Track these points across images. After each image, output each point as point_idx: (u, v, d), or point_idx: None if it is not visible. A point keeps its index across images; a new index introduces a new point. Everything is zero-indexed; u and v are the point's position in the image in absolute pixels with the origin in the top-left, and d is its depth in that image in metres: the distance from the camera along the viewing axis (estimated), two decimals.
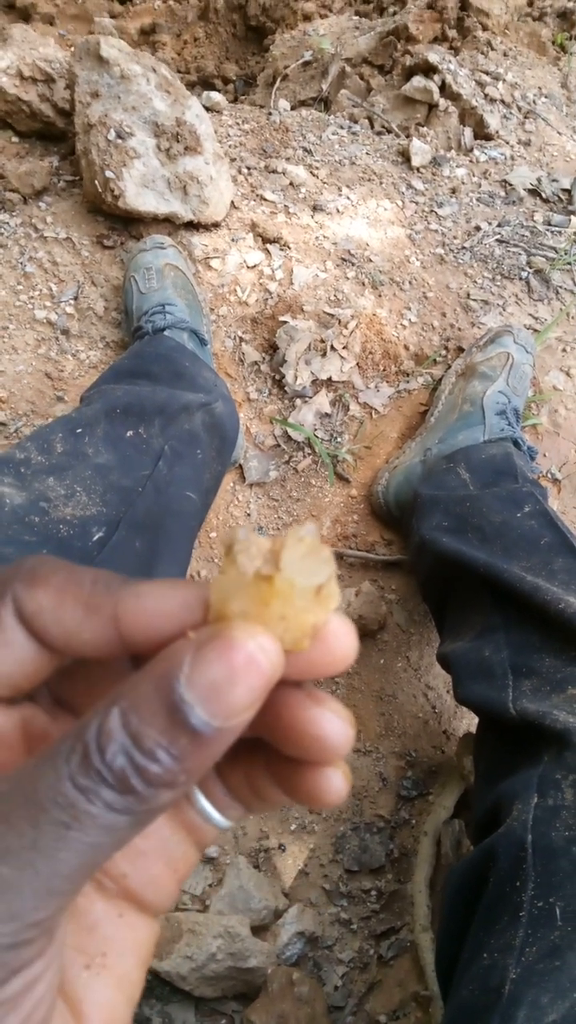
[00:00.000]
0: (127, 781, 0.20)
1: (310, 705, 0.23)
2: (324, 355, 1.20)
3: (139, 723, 0.20)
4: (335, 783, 0.24)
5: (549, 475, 1.30)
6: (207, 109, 1.45)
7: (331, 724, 0.23)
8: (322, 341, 1.20)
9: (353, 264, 1.33)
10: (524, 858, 0.52)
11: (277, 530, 1.16)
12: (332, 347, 1.21)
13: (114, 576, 0.24)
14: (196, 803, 0.26)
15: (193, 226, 1.21)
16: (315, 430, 1.20)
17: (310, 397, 1.20)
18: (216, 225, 1.24)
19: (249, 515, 1.14)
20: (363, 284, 1.31)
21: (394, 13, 1.96)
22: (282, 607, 0.22)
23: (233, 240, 1.25)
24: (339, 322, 1.22)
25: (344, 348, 1.22)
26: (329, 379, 1.21)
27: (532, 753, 0.60)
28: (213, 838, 0.28)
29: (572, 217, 1.55)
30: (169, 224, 1.18)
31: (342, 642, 0.23)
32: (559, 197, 1.60)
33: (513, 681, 0.67)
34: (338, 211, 1.40)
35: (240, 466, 1.14)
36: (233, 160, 1.35)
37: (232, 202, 1.27)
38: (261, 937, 0.86)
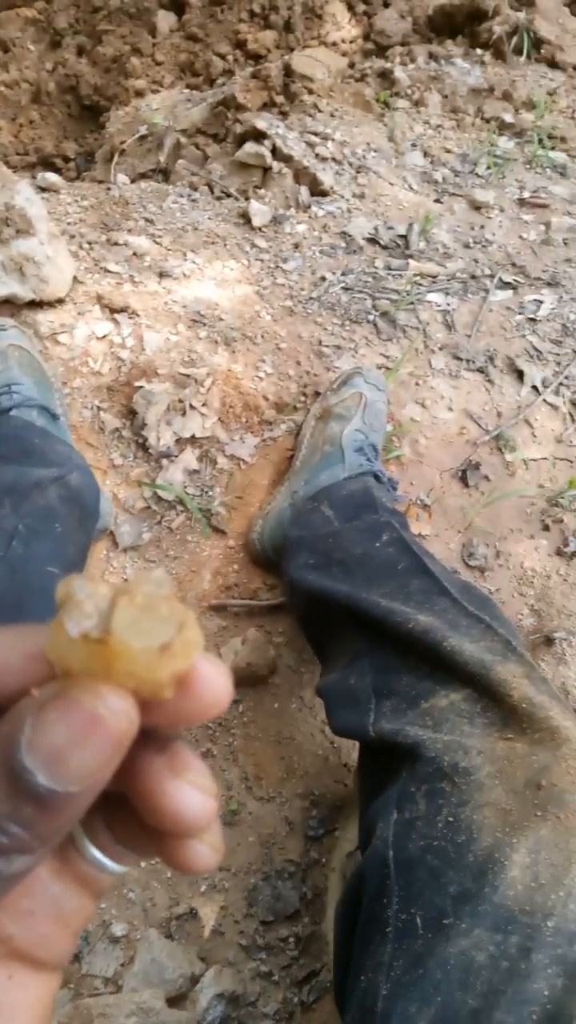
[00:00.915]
0: None
1: (168, 776, 0.22)
2: (184, 414, 1.25)
3: None
4: (199, 857, 0.23)
5: (419, 502, 1.38)
6: (44, 190, 1.51)
7: (189, 799, 0.22)
8: (180, 401, 1.25)
9: (204, 324, 1.40)
10: (388, 874, 0.55)
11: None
12: (191, 405, 1.26)
13: None
14: (86, 853, 0.25)
15: (36, 304, 1.25)
16: (185, 487, 1.24)
17: (176, 456, 1.24)
18: (60, 301, 1.28)
19: (126, 580, 1.16)
20: (216, 342, 1.38)
21: (223, 84, 2.10)
22: (126, 666, 0.20)
23: (80, 313, 1.29)
24: (195, 381, 1.28)
25: (203, 405, 1.27)
26: (192, 436, 1.26)
27: (393, 771, 0.64)
28: (110, 885, 0.26)
29: (410, 261, 1.68)
30: (11, 305, 1.22)
31: (211, 688, 0.22)
32: (396, 243, 1.73)
33: (376, 704, 0.72)
34: (185, 275, 1.47)
35: (112, 533, 1.17)
36: (73, 237, 1.40)
37: (75, 277, 1.32)
38: (180, 1007, 0.86)
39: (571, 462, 1.43)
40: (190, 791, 0.22)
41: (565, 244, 1.80)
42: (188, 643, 0.21)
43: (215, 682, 0.22)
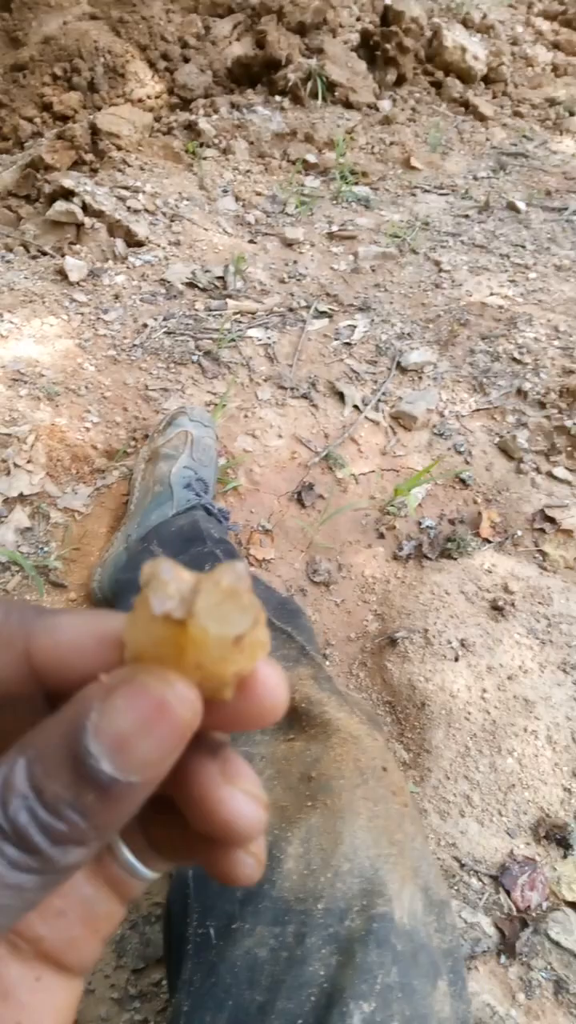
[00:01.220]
0: (29, 839, 0.18)
1: (221, 782, 0.22)
2: (8, 473, 1.24)
3: (43, 776, 0.18)
4: (243, 867, 0.23)
5: (260, 528, 1.42)
6: None
7: (241, 808, 0.21)
8: (3, 460, 1.24)
9: (25, 382, 1.40)
10: (188, 894, 0.56)
11: None
12: (15, 464, 1.25)
13: (29, 606, 0.23)
14: (119, 855, 0.24)
15: None
16: (18, 547, 1.22)
17: (5, 516, 1.23)
18: None
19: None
20: (38, 398, 1.38)
21: (31, 146, 2.12)
22: (197, 655, 0.20)
23: None
24: (17, 439, 1.28)
25: (28, 462, 1.27)
26: (21, 495, 1.25)
27: None
28: (139, 892, 0.26)
29: (229, 300, 1.74)
30: None
31: (271, 693, 0.21)
32: (214, 285, 1.79)
33: None
34: (2, 336, 1.47)
35: None
36: None
37: None
38: None
39: (397, 471, 1.51)
40: (243, 799, 0.22)
41: (372, 271, 1.91)
42: (256, 643, 0.21)
43: (275, 688, 0.21)
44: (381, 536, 1.44)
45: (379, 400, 1.58)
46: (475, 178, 2.41)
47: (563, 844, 1.06)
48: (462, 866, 1.01)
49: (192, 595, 0.20)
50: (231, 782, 0.22)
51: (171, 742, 0.19)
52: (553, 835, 1.04)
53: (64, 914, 0.23)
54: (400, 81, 2.76)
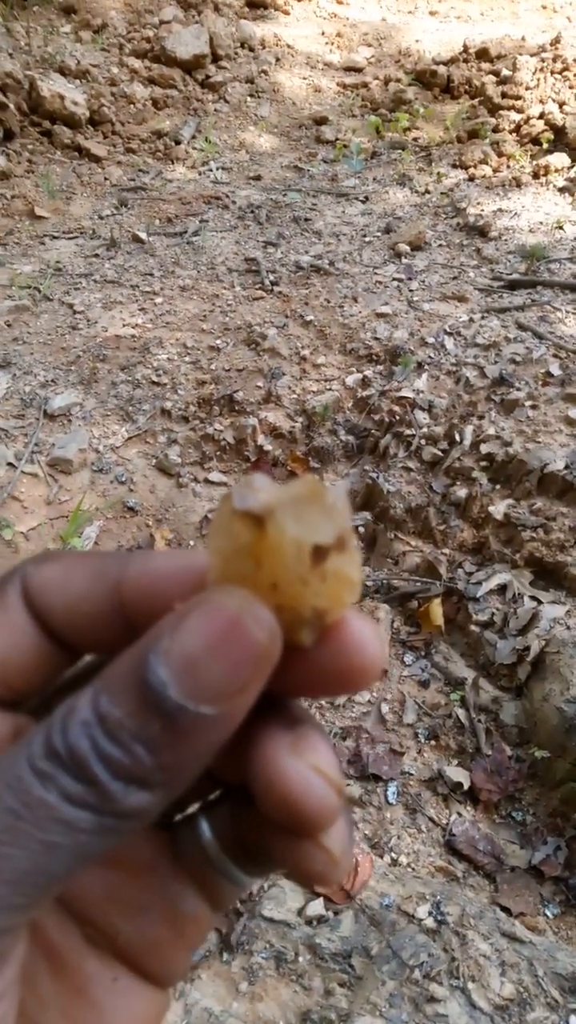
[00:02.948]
0: (88, 767, 0.16)
1: (288, 755, 0.18)
2: None
3: (108, 703, 0.16)
4: (313, 863, 0.19)
5: None
6: None
7: (307, 785, 0.17)
8: None
9: None
10: None
11: None
12: None
13: (134, 550, 0.19)
14: (211, 853, 0.21)
15: None
16: None
17: None
18: None
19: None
20: None
21: None
22: (273, 567, 0.17)
23: None
24: None
25: None
26: None
27: None
28: (231, 900, 0.22)
29: None
30: None
31: (360, 647, 0.17)
32: None
33: None
34: None
35: None
36: None
37: None
38: None
39: (66, 517, 1.47)
40: (311, 776, 0.18)
41: (8, 326, 1.84)
42: (341, 575, 0.17)
43: (366, 641, 0.18)
44: None
45: (33, 452, 1.53)
46: (100, 217, 2.42)
47: None
48: None
49: (276, 500, 0.17)
50: (300, 756, 0.18)
51: (245, 667, 0.16)
52: None
53: (147, 910, 0.21)
54: (9, 136, 2.68)
